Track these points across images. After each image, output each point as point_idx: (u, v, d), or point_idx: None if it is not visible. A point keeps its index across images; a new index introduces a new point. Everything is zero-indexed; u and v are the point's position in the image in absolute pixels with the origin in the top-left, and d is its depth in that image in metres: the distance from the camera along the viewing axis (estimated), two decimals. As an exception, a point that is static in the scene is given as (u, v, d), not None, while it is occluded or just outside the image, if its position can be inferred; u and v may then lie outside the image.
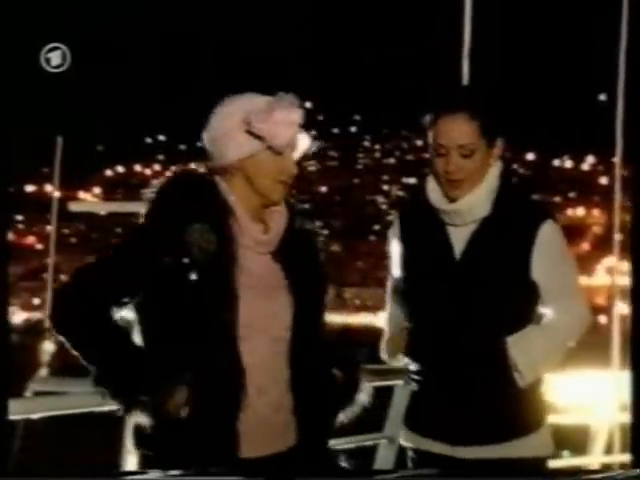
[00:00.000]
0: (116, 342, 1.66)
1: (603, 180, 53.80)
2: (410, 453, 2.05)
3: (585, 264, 44.96)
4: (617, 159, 5.14)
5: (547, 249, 1.98)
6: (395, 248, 2.08)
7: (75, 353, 1.68)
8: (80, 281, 1.69)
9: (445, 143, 1.98)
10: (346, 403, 1.83)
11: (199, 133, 1.81)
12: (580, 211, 56.63)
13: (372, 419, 2.44)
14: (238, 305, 1.68)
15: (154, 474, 1.62)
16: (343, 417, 1.83)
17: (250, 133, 1.75)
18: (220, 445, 1.66)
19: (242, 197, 1.77)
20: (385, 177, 60.54)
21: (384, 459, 3.04)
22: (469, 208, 1.99)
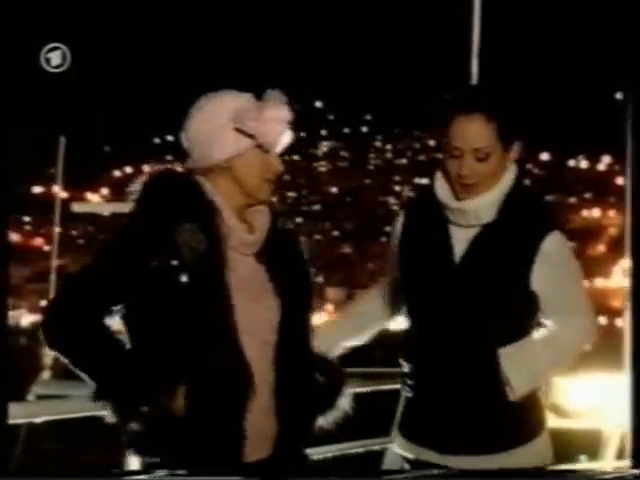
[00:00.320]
0: (110, 354, 1.66)
1: (619, 180, 53.50)
2: (404, 462, 2.02)
3: (601, 266, 44.74)
4: (628, 159, 5.11)
5: (550, 262, 1.93)
6: (394, 245, 2.05)
7: (72, 367, 1.67)
8: (70, 292, 1.68)
9: (460, 145, 1.92)
10: (327, 407, 1.81)
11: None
12: (596, 212, 56.35)
13: (382, 423, 2.43)
14: (234, 306, 1.68)
15: (154, 474, 1.62)
16: (323, 422, 1.81)
17: (240, 131, 1.73)
18: (228, 447, 1.67)
19: (227, 197, 1.76)
20: (397, 178, 60.40)
21: (392, 463, 3.04)
22: (476, 210, 1.94)
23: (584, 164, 60.27)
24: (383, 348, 2.36)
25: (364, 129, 64.40)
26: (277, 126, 1.75)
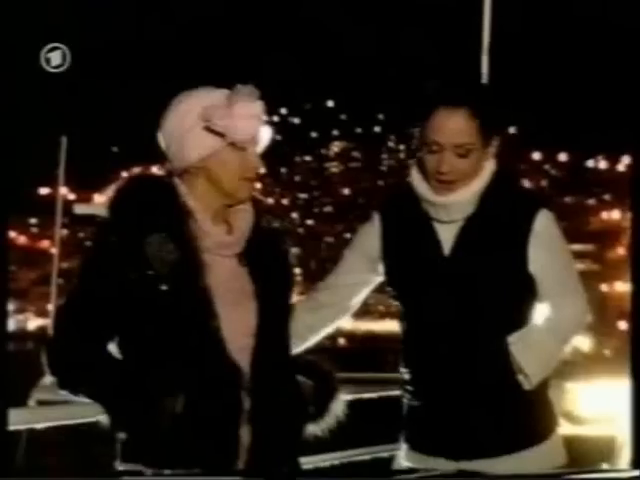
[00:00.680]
0: (114, 377, 1.65)
1: None
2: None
3: (621, 270, 44.47)
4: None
5: (544, 240, 1.90)
6: (372, 246, 1.99)
7: (88, 399, 1.68)
8: (60, 329, 1.69)
9: (441, 140, 1.87)
10: (317, 414, 1.78)
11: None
12: (615, 214, 56.06)
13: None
14: (216, 311, 1.65)
15: (154, 475, 1.63)
16: (316, 428, 1.78)
17: (209, 130, 1.69)
18: (222, 455, 1.66)
19: (204, 198, 1.72)
20: (410, 179, 60.19)
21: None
22: (458, 205, 1.90)
23: (603, 165, 60.02)
24: (394, 353, 2.35)
25: (377, 129, 64.36)
26: (248, 123, 1.69)
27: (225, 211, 1.74)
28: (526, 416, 1.92)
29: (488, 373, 1.89)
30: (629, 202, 2.09)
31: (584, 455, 2.11)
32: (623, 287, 44.02)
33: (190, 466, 1.65)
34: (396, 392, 2.55)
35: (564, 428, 2.05)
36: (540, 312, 1.95)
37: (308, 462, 2.10)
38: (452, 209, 1.90)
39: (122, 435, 1.66)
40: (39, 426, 1.90)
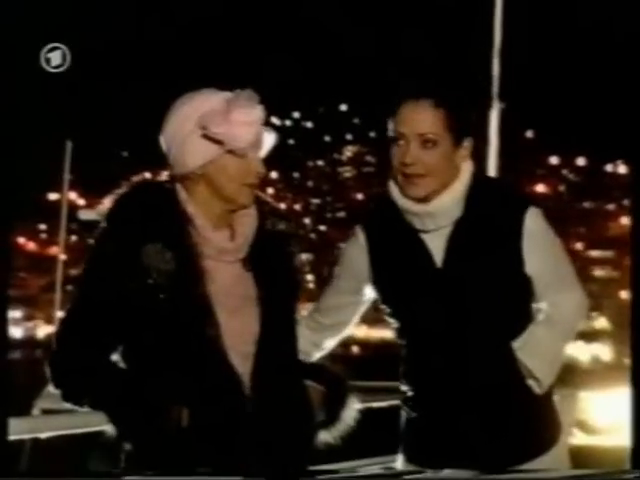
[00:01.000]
0: (118, 390, 1.67)
1: (660, 186, 52.77)
2: None
3: (641, 276, 44.11)
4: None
5: (537, 238, 1.89)
6: (361, 265, 1.97)
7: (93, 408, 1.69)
8: (62, 342, 1.70)
9: (405, 131, 1.87)
10: (330, 421, 1.78)
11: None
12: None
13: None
14: (217, 319, 1.66)
15: (154, 475, 1.64)
16: (328, 436, 1.78)
17: (207, 138, 1.69)
18: (227, 459, 1.68)
19: (205, 204, 1.71)
20: (425, 183, 60.06)
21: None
22: (443, 210, 1.89)
23: (622, 169, 59.73)
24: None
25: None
26: (247, 129, 1.69)
27: (228, 216, 1.74)
28: (531, 425, 1.91)
29: (491, 383, 1.89)
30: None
31: (597, 466, 2.10)
32: (643, 294, 43.60)
33: (193, 473, 1.65)
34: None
35: (578, 438, 2.04)
36: (538, 310, 1.94)
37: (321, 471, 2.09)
38: (438, 216, 1.89)
39: (128, 446, 1.66)
40: (43, 435, 1.90)
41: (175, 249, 1.67)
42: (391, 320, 1.99)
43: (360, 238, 1.99)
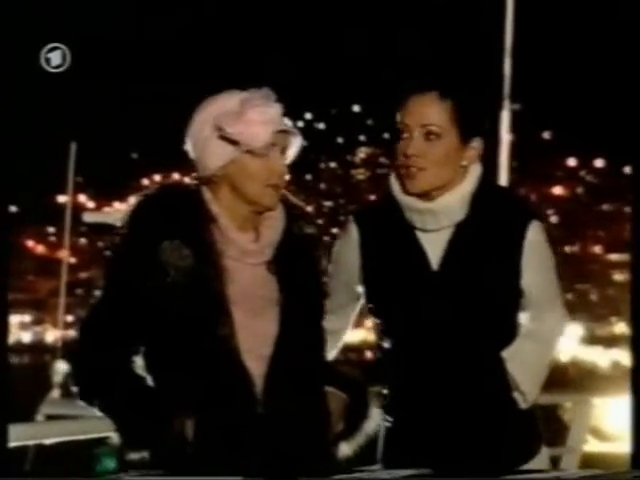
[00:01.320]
0: (126, 396, 1.66)
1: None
2: None
3: (660, 280, 43.74)
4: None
5: (537, 251, 1.88)
6: (353, 261, 1.92)
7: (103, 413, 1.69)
8: (81, 339, 1.70)
9: (409, 122, 1.84)
10: (349, 432, 1.74)
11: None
12: (655, 222, 55.28)
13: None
14: (233, 321, 1.65)
15: (154, 475, 1.64)
16: (347, 448, 1.74)
17: (223, 139, 1.68)
18: (235, 462, 1.65)
19: (229, 206, 1.71)
20: (440, 186, 59.79)
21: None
22: (447, 210, 1.85)
23: (642, 171, 59.20)
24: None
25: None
26: (263, 128, 1.67)
27: (254, 218, 1.73)
28: (512, 435, 1.89)
29: (475, 392, 1.86)
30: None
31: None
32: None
33: (193, 473, 1.65)
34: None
35: (591, 445, 2.03)
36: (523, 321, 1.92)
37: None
38: (440, 215, 1.86)
39: (133, 455, 1.65)
40: (47, 442, 1.89)
41: (194, 246, 1.66)
42: (376, 319, 1.94)
43: (352, 231, 1.94)
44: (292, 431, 1.67)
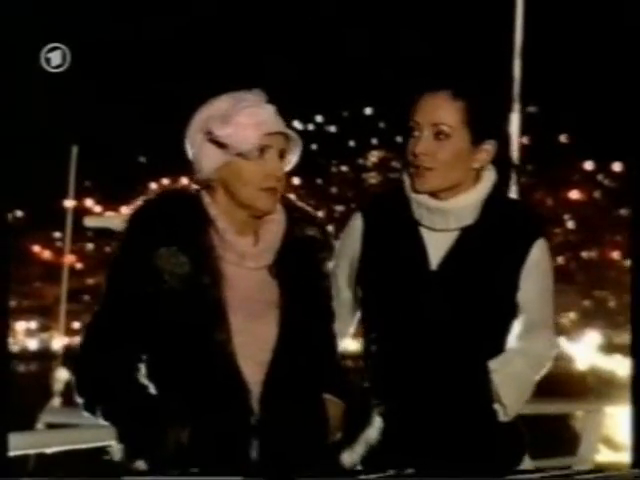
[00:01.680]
0: (123, 403, 1.67)
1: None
2: None
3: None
4: None
5: (538, 269, 1.89)
6: (352, 250, 1.92)
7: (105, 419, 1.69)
8: (83, 347, 1.72)
9: (419, 120, 1.86)
10: (348, 442, 1.73)
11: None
12: (675, 227, 54.97)
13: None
14: (230, 326, 1.66)
15: (154, 475, 1.65)
16: (347, 458, 1.73)
17: (214, 142, 1.69)
18: (231, 468, 1.66)
19: (227, 211, 1.72)
20: (454, 190, 59.67)
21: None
22: (457, 212, 1.86)
23: (661, 174, 58.95)
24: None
25: (418, 137, 63.84)
26: (252, 130, 1.67)
27: (253, 222, 1.74)
28: (491, 446, 1.89)
29: (459, 399, 1.86)
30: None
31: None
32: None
33: (192, 473, 1.66)
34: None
35: (603, 455, 2.03)
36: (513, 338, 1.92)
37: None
38: (450, 216, 1.86)
39: (134, 464, 1.66)
40: (48, 451, 1.88)
41: (192, 252, 1.68)
42: (365, 313, 1.90)
43: (357, 221, 1.94)
44: (288, 439, 1.67)
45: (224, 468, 1.66)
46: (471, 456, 1.86)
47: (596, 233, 55.17)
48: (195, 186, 1.76)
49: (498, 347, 1.90)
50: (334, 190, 60.69)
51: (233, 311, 1.68)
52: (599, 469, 1.72)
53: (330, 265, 1.80)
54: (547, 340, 1.94)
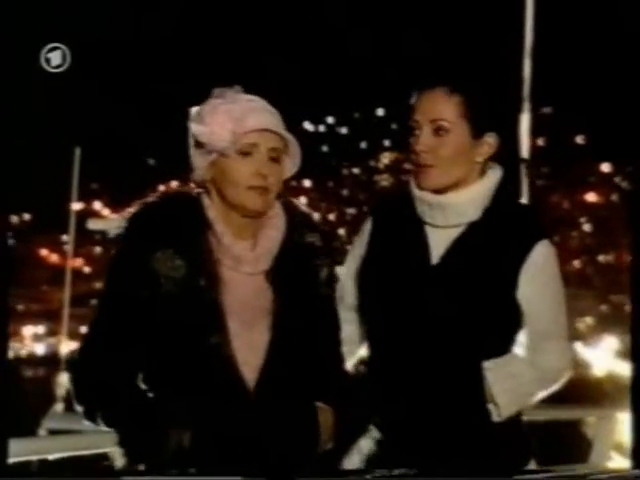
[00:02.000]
0: (122, 407, 1.73)
1: None
2: None
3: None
4: None
5: (537, 269, 1.91)
6: (360, 251, 1.98)
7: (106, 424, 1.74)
8: (82, 352, 1.77)
9: (419, 118, 1.92)
10: (342, 448, 1.81)
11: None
12: (694, 230, 54.87)
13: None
14: (225, 325, 1.70)
15: (155, 475, 1.67)
16: (340, 465, 1.79)
17: (195, 142, 1.77)
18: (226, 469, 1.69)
19: (223, 213, 1.76)
20: (468, 192, 59.75)
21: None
22: (455, 206, 1.90)
23: (680, 176, 58.82)
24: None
25: (431, 139, 63.90)
26: (222, 129, 1.72)
27: (252, 226, 1.77)
28: (494, 446, 1.92)
29: (456, 397, 1.89)
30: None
31: (636, 491, 2.08)
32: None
33: (192, 473, 1.68)
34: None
35: (615, 462, 2.04)
36: (521, 346, 1.92)
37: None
38: (449, 211, 1.89)
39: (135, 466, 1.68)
40: (50, 457, 1.90)
41: (189, 255, 1.72)
42: (360, 311, 1.96)
43: (367, 227, 2.02)
44: (283, 442, 1.72)
45: (224, 468, 1.65)
46: (470, 456, 1.91)
47: (613, 236, 55.13)
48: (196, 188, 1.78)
49: (498, 347, 1.94)
50: (345, 192, 60.81)
51: (230, 316, 1.72)
52: (599, 469, 1.72)
53: (334, 271, 1.82)
54: (558, 352, 1.96)
